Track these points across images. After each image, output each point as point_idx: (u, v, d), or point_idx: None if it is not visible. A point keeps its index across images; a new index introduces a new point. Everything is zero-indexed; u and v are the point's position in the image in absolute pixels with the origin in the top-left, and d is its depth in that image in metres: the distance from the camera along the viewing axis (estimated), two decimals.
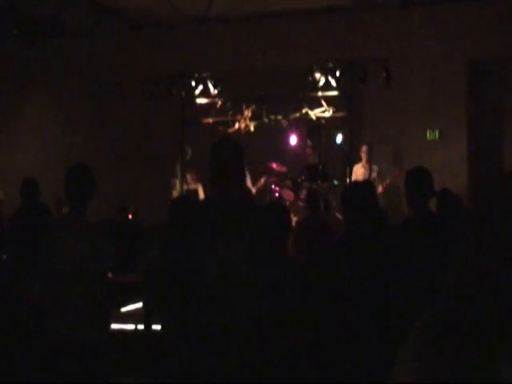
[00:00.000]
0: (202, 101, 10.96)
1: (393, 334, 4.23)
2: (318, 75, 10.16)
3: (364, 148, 10.62)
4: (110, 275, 4.59)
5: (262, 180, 10.74)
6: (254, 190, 10.57)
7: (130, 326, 6.78)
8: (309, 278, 4.39)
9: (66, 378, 4.20)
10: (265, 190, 10.81)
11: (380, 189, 10.19)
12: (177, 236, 4.14)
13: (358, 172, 10.71)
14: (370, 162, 10.48)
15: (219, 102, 10.84)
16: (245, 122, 10.78)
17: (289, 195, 10.48)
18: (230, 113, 10.88)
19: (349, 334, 4.22)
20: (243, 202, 3.81)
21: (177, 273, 3.79)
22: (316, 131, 11.08)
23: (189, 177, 11.13)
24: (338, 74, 10.06)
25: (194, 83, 10.81)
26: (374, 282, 4.25)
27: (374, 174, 10.57)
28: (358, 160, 10.87)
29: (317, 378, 4.20)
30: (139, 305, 6.87)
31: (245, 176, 3.63)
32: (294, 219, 8.89)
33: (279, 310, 4.19)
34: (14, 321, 4.68)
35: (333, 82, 10.12)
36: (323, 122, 10.62)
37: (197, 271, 3.60)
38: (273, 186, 10.86)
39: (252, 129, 10.82)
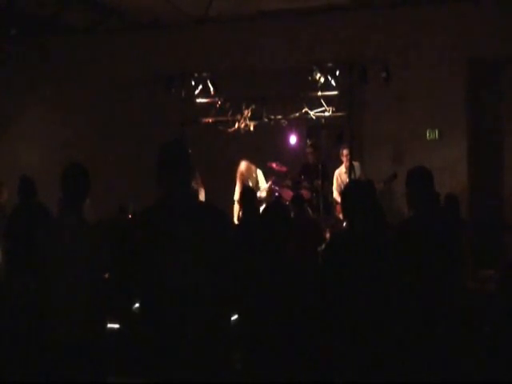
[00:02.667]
0: (201, 100, 10.95)
1: (393, 330, 4.23)
2: (317, 75, 10.15)
3: (345, 152, 10.53)
4: (108, 275, 4.58)
5: (269, 182, 10.73)
6: (263, 192, 10.57)
7: None
8: (310, 276, 4.40)
9: (64, 377, 4.20)
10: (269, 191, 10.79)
11: None
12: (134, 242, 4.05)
13: (343, 177, 10.66)
14: (351, 163, 10.37)
15: (219, 102, 10.84)
16: (244, 122, 10.76)
17: (288, 195, 10.46)
18: (230, 112, 10.86)
19: (350, 331, 4.22)
20: (194, 203, 3.83)
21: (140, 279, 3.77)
22: (315, 131, 11.07)
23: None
24: (337, 73, 10.05)
25: (193, 83, 10.80)
26: (373, 280, 4.25)
27: (358, 172, 10.52)
28: (339, 164, 10.85)
29: (317, 376, 4.20)
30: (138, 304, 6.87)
31: (192, 176, 3.68)
32: None
33: (281, 307, 4.19)
34: (10, 320, 4.68)
35: (332, 82, 10.11)
36: (323, 121, 10.60)
37: (156, 277, 3.60)
38: (272, 186, 10.86)
39: (252, 128, 10.81)
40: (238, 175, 10.61)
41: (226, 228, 3.85)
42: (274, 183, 10.79)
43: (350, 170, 10.22)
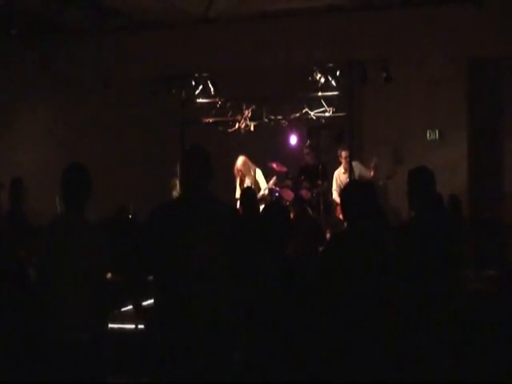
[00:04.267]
0: (202, 101, 10.95)
1: (392, 330, 4.23)
2: (318, 75, 10.15)
3: (344, 153, 10.53)
4: (109, 275, 4.58)
5: (271, 181, 10.70)
6: (265, 191, 10.58)
7: (130, 326, 6.79)
8: (310, 277, 4.40)
9: (64, 377, 4.20)
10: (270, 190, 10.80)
11: None
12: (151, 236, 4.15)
13: (342, 177, 10.66)
14: (350, 165, 10.38)
15: (219, 102, 10.83)
16: (245, 122, 10.76)
17: (289, 195, 10.46)
18: (230, 113, 10.87)
19: (350, 330, 4.22)
20: (210, 202, 4.06)
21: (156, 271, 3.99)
22: (315, 131, 11.07)
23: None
24: (337, 73, 10.05)
25: (194, 83, 10.80)
26: (373, 280, 4.25)
27: (357, 172, 10.53)
28: (338, 164, 10.85)
29: (317, 376, 4.20)
30: None
31: (207, 180, 4.05)
32: None
33: (279, 305, 4.19)
34: (10, 319, 4.68)
35: (333, 82, 10.11)
36: (323, 121, 10.60)
37: (176, 269, 3.87)
38: (273, 186, 10.86)
39: (252, 129, 10.81)
40: (235, 171, 10.61)
41: (237, 223, 4.09)
42: (275, 184, 10.76)
43: (350, 171, 10.23)
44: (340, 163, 10.78)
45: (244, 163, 10.55)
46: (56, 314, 4.27)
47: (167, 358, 3.86)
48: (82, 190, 4.42)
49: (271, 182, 10.65)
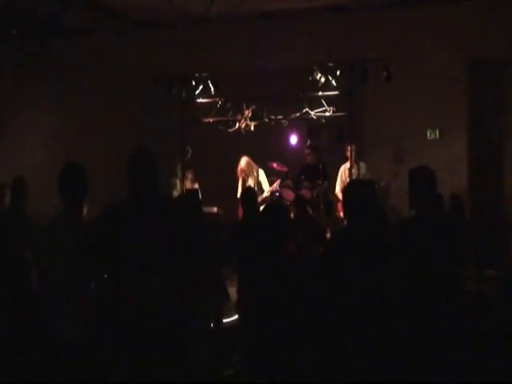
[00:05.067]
0: (202, 100, 10.96)
1: (392, 330, 4.23)
2: (318, 75, 10.15)
3: (349, 148, 10.57)
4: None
5: (276, 183, 10.70)
6: (268, 193, 10.57)
7: None
8: (310, 276, 4.40)
9: (63, 377, 4.20)
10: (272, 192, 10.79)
11: None
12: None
13: (348, 173, 10.68)
14: (356, 160, 10.41)
15: (219, 102, 10.84)
16: (245, 122, 10.76)
17: (289, 195, 10.47)
18: (231, 112, 10.87)
19: (350, 330, 4.22)
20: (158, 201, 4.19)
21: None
22: (316, 131, 11.07)
23: (189, 176, 11.18)
24: (338, 73, 10.05)
25: (194, 83, 10.80)
26: (373, 279, 4.25)
27: (363, 171, 10.55)
28: (345, 160, 10.86)
29: (317, 376, 4.20)
30: None
31: (156, 179, 4.16)
32: None
33: (281, 307, 4.20)
34: (11, 319, 4.68)
35: (333, 82, 10.11)
36: (323, 121, 10.60)
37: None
38: (277, 188, 10.85)
39: (252, 128, 10.81)
40: (239, 171, 10.62)
41: (184, 221, 4.29)
42: (279, 185, 10.73)
43: (351, 167, 10.25)
44: (347, 159, 10.78)
45: (248, 164, 10.58)
46: (56, 314, 4.27)
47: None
48: (79, 189, 4.43)
49: (274, 185, 10.66)
